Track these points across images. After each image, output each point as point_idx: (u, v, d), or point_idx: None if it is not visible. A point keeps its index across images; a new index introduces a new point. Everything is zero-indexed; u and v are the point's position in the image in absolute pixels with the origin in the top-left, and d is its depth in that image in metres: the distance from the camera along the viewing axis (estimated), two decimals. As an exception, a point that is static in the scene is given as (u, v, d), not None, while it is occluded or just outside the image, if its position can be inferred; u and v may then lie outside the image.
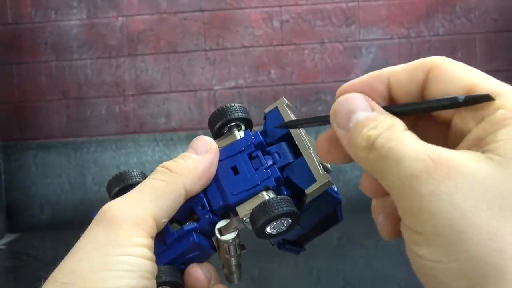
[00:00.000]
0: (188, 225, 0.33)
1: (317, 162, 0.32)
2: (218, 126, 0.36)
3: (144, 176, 0.35)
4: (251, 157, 0.34)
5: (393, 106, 0.26)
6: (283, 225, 0.32)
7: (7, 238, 2.14)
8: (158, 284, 0.31)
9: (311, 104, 2.23)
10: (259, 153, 0.34)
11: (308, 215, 0.34)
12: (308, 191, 0.32)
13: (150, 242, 0.29)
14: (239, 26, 2.22)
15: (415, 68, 0.26)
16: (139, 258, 0.28)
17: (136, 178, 0.35)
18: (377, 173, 0.24)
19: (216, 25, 2.22)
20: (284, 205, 0.31)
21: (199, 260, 0.34)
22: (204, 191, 0.34)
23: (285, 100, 0.36)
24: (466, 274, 0.21)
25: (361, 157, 0.25)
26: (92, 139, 2.23)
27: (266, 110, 0.37)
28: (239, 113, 0.36)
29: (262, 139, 0.35)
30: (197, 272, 0.33)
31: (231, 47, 2.22)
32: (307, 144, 0.33)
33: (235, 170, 0.34)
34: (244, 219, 0.32)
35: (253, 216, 0.31)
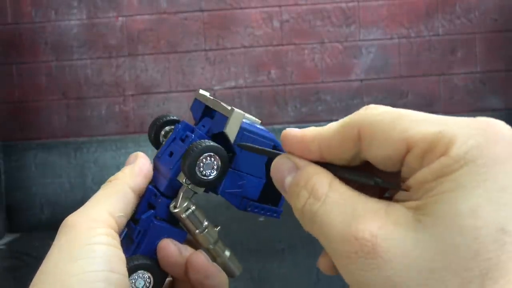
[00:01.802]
0: (145, 214, 0.35)
1: (227, 106, 0.34)
2: (153, 136, 0.39)
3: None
4: (182, 140, 0.36)
5: (322, 163, 0.26)
6: (214, 165, 0.33)
7: (7, 238, 2.14)
8: (131, 270, 0.32)
9: (311, 104, 2.23)
10: (188, 133, 0.36)
11: (248, 159, 0.35)
12: (225, 129, 0.33)
13: (111, 231, 0.31)
14: (239, 26, 2.22)
15: (344, 136, 0.25)
16: (102, 245, 0.30)
17: (171, 116, 0.40)
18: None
19: (216, 25, 2.22)
20: (203, 142, 0.33)
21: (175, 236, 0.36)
22: (154, 185, 0.36)
23: (201, 90, 0.40)
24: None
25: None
26: (92, 139, 2.23)
27: (190, 107, 0.40)
28: (166, 118, 0.39)
29: (186, 122, 0.38)
30: (167, 242, 0.34)
31: (231, 47, 2.23)
32: (218, 102, 0.36)
33: (171, 154, 0.36)
34: (184, 181, 0.34)
35: (182, 167, 0.33)
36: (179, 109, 2.23)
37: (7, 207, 2.20)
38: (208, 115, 0.38)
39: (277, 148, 0.35)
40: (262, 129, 0.35)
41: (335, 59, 2.23)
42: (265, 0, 2.21)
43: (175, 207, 0.35)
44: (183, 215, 0.34)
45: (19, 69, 2.22)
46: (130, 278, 0.32)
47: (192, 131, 0.37)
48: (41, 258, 0.30)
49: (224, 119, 0.34)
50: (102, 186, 0.35)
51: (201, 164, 0.33)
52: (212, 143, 0.33)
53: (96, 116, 2.23)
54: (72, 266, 0.28)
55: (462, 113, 2.19)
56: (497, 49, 2.23)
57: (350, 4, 2.22)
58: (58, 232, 0.31)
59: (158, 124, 0.39)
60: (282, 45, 2.23)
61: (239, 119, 0.34)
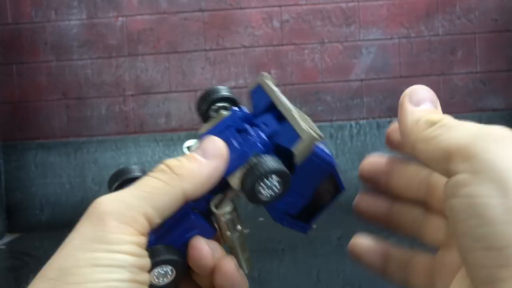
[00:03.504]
0: (185, 205, 0.33)
1: (302, 122, 0.32)
2: (204, 109, 0.36)
3: (144, 172, 0.35)
4: (238, 131, 0.34)
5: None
6: (274, 186, 0.31)
7: (7, 238, 2.14)
8: (155, 264, 0.30)
9: (311, 104, 2.23)
10: (246, 125, 0.34)
11: (303, 180, 0.33)
12: (294, 149, 0.31)
13: (140, 239, 0.29)
14: (239, 26, 2.22)
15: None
16: (127, 255, 0.28)
17: (135, 172, 0.35)
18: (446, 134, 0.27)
19: (216, 25, 2.22)
20: (271, 163, 0.30)
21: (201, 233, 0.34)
22: None
23: (265, 73, 0.36)
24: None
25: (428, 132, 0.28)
26: (92, 139, 2.23)
27: (250, 89, 0.36)
28: (222, 93, 0.36)
29: (247, 112, 0.35)
30: (201, 242, 0.32)
31: (231, 47, 2.23)
32: (289, 107, 0.33)
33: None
34: (236, 187, 0.32)
35: (242, 179, 0.31)
36: (179, 109, 2.23)
37: (7, 207, 2.20)
38: (272, 111, 0.34)
39: (333, 176, 0.34)
40: (327, 153, 0.34)
41: (335, 59, 2.23)
42: (265, 0, 2.21)
43: (216, 207, 0.33)
44: (223, 218, 0.33)
45: (19, 69, 2.22)
46: (152, 271, 0.31)
47: (251, 124, 0.34)
48: (41, 258, 0.29)
49: (295, 136, 0.31)
50: (158, 171, 0.30)
51: (263, 184, 0.31)
52: (281, 167, 0.31)
53: (96, 116, 2.23)
54: (91, 271, 0.27)
55: (462, 113, 2.19)
56: (497, 49, 2.23)
57: (350, 4, 2.22)
58: (86, 215, 0.28)
59: (211, 99, 0.36)
60: (282, 45, 2.23)
61: (313, 143, 0.31)
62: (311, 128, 0.32)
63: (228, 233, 0.34)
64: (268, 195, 0.31)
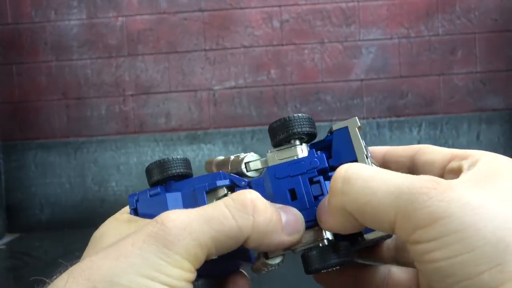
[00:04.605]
0: None
1: None
2: (279, 138, 0.33)
3: (187, 165, 0.34)
4: (311, 181, 0.31)
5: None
6: (333, 266, 0.31)
7: (7, 238, 2.14)
8: None
9: (311, 104, 2.23)
10: (321, 178, 0.31)
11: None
12: (367, 237, 0.31)
13: (194, 275, 0.28)
14: (239, 26, 2.22)
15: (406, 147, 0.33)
16: None
17: (179, 168, 0.33)
18: (371, 206, 0.27)
19: (216, 25, 2.22)
20: (342, 256, 0.30)
21: (233, 267, 0.33)
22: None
23: (358, 121, 0.32)
24: (487, 258, 0.23)
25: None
26: (92, 139, 2.23)
27: (335, 127, 0.33)
28: (303, 128, 0.32)
29: (327, 165, 0.32)
30: (244, 282, 0.32)
31: (231, 47, 2.22)
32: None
33: (293, 194, 0.31)
34: (296, 251, 0.31)
35: (308, 257, 0.30)
36: (179, 109, 2.23)
37: (7, 207, 2.20)
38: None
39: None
40: None
41: (335, 59, 2.23)
42: (265, 0, 2.21)
43: (266, 256, 0.31)
44: (269, 267, 0.31)
45: (19, 69, 2.22)
46: None
47: (325, 178, 0.31)
48: (41, 258, 0.28)
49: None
50: (239, 207, 0.28)
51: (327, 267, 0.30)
52: (348, 258, 0.30)
53: (96, 116, 2.23)
54: None
55: (462, 113, 2.19)
56: (497, 49, 2.23)
57: (350, 4, 2.22)
58: (154, 232, 0.27)
59: (293, 132, 0.32)
60: (282, 45, 2.23)
61: (388, 236, 0.31)
62: None
63: (264, 269, 0.32)
64: (324, 269, 0.31)
